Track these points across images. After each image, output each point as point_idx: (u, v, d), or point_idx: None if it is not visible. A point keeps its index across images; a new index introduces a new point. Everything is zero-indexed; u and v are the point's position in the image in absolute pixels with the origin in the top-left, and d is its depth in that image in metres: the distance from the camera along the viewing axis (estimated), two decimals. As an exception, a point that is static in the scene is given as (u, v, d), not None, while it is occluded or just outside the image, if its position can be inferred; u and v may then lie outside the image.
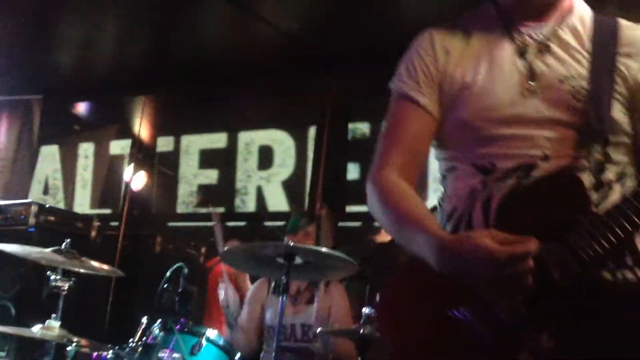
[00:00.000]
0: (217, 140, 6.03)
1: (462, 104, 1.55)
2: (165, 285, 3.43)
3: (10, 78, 6.21)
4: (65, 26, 5.45)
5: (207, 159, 6.02)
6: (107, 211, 6.23)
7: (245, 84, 5.89)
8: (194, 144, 6.11)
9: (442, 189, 1.64)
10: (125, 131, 6.37)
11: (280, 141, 5.79)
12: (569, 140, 1.47)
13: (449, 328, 1.40)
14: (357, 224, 5.18)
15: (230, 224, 5.72)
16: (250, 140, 5.91)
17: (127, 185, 5.84)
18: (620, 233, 1.32)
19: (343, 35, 5.21)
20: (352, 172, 5.43)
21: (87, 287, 4.09)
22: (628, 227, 1.32)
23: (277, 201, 5.65)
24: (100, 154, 6.45)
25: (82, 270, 3.58)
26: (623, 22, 1.59)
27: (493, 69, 1.55)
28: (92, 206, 6.35)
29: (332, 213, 4.51)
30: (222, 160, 5.95)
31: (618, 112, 1.49)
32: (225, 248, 3.40)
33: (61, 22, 5.42)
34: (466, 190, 1.53)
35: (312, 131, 5.67)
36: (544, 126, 1.48)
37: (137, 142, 6.21)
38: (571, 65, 1.52)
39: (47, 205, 5.07)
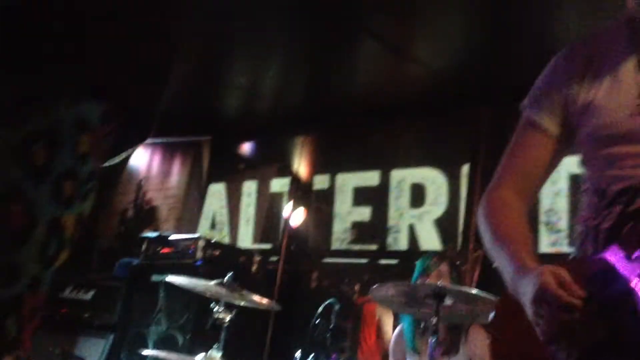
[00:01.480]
0: (370, 178, 6.16)
1: (584, 123, 1.55)
2: (317, 321, 3.56)
3: (183, 120, 6.74)
4: (232, 72, 5.86)
5: (361, 196, 6.16)
6: (268, 246, 6.53)
7: (397, 122, 5.99)
8: (348, 181, 6.28)
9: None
10: (285, 170, 6.68)
11: (433, 179, 5.81)
12: None
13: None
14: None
15: (383, 261, 5.81)
16: (402, 178, 5.98)
17: (286, 221, 6.10)
18: None
19: (493, 70, 5.17)
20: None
21: (247, 319, 4.33)
22: None
23: (430, 240, 5.65)
24: (262, 191, 6.80)
25: (242, 303, 3.80)
26: None
27: (614, 86, 1.52)
28: (254, 241, 6.69)
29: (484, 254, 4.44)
30: (374, 198, 6.06)
31: None
32: (375, 286, 3.47)
33: (228, 69, 5.84)
34: (585, 219, 1.53)
35: (465, 169, 5.63)
36: None
37: (295, 180, 6.50)
38: None
39: (213, 240, 5.41)
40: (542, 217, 5.01)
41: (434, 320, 3.09)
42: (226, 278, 3.68)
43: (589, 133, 1.54)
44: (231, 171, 7.06)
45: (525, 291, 1.36)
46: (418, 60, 5.13)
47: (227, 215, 6.93)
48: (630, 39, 1.56)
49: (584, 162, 1.60)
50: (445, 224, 5.61)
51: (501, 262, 1.50)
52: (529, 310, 1.35)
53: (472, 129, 5.45)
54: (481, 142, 5.24)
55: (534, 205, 4.49)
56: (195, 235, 5.35)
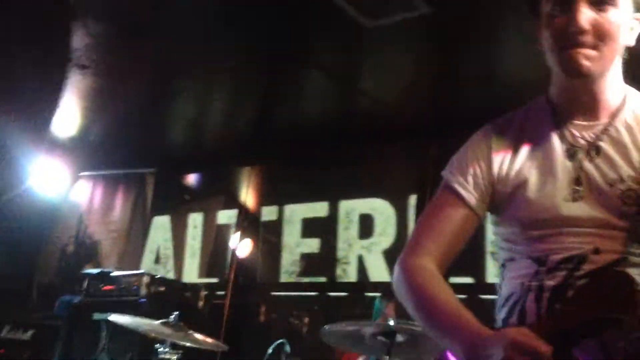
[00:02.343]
0: (319, 209, 6.12)
1: (516, 205, 1.56)
2: (267, 362, 3.48)
3: (126, 153, 6.60)
4: (178, 104, 5.78)
5: (309, 227, 6.11)
6: (214, 280, 6.41)
7: (346, 154, 5.99)
8: (297, 212, 6.23)
9: (501, 275, 1.63)
10: (232, 201, 6.59)
11: (381, 210, 5.81)
12: (621, 239, 1.45)
13: None
14: (462, 296, 5.06)
15: (332, 294, 5.76)
16: (351, 208, 5.96)
17: (233, 254, 6.01)
18: None
19: (442, 103, 5.24)
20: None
21: (194, 359, 4.20)
22: None
23: (379, 271, 5.63)
24: (209, 223, 6.69)
25: (189, 344, 3.68)
26: None
27: (545, 171, 1.55)
28: (200, 275, 6.55)
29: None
30: (323, 229, 6.02)
31: None
32: (327, 327, 3.40)
33: (174, 101, 5.76)
34: (522, 279, 1.53)
35: (412, 199, 5.66)
36: (595, 226, 1.47)
37: (242, 212, 6.42)
38: (622, 167, 1.49)
39: (157, 276, 5.26)
40: (488, 247, 5.05)
41: (386, 358, 3.05)
42: (172, 317, 3.57)
43: (521, 216, 1.55)
44: (176, 203, 6.93)
45: (492, 354, 1.33)
46: (367, 93, 5.15)
47: (172, 249, 6.78)
48: (555, 123, 1.60)
49: (507, 238, 1.61)
50: (394, 255, 5.54)
51: (447, 334, 1.47)
52: None
53: (419, 160, 5.48)
54: (429, 173, 5.27)
55: (480, 235, 4.54)
56: (139, 272, 5.21)
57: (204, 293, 5.42)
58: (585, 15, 1.47)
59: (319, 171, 6.13)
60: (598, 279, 1.42)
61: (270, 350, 3.44)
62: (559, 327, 1.36)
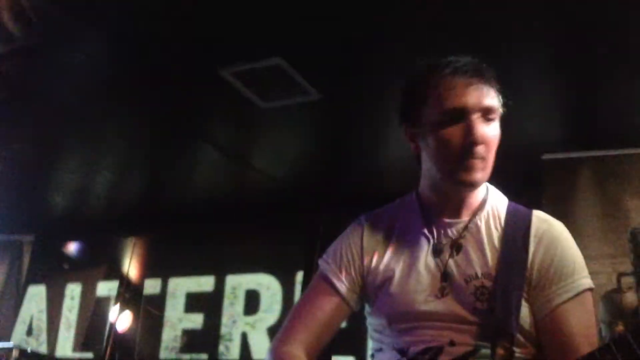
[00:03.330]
0: (204, 283, 6.04)
1: (383, 298, 1.62)
2: None
3: (3, 218, 6.29)
4: (61, 171, 5.60)
5: (194, 302, 6.00)
6: (89, 355, 6.11)
7: (234, 228, 5.99)
8: (181, 286, 6.11)
9: None
10: (114, 272, 6.38)
11: (267, 285, 5.81)
12: (475, 334, 1.51)
13: None
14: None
15: (214, 372, 5.64)
16: (237, 284, 5.92)
17: (112, 327, 5.78)
18: None
19: (330, 180, 5.40)
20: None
21: None
22: None
23: (262, 348, 5.57)
24: (87, 294, 6.42)
25: None
26: (536, 215, 1.62)
27: (411, 267, 1.62)
28: (75, 349, 6.23)
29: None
30: (208, 304, 5.93)
31: (525, 309, 1.52)
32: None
33: (57, 168, 5.58)
34: None
35: (299, 276, 5.70)
36: (451, 320, 1.53)
37: (124, 283, 6.21)
38: (477, 264, 1.56)
39: (28, 350, 5.01)
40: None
41: None
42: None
43: (386, 309, 1.62)
44: (54, 272, 6.63)
45: None
46: (257, 169, 5.23)
47: (46, 321, 6.43)
48: (423, 220, 1.67)
49: (377, 329, 1.67)
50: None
51: None
52: None
53: (306, 236, 5.57)
54: (316, 250, 5.36)
55: (362, 315, 4.62)
56: (9, 345, 4.93)
57: (77, 370, 5.16)
58: (479, 128, 1.51)
59: (206, 245, 6.07)
60: None
61: None
62: None
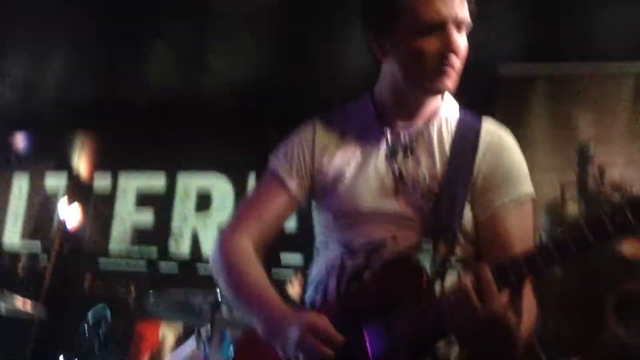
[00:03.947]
0: (156, 180, 6.01)
1: (332, 195, 1.67)
2: (85, 326, 3.38)
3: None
4: (9, 63, 5.41)
5: (144, 198, 5.98)
6: (37, 245, 6.09)
7: (187, 127, 5.91)
8: (132, 183, 6.07)
9: (314, 259, 1.76)
10: (63, 165, 6.29)
11: (219, 186, 5.82)
12: (417, 230, 1.58)
13: None
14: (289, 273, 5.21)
15: (163, 266, 5.70)
16: (189, 182, 5.92)
17: (60, 218, 5.75)
18: (435, 328, 1.42)
19: (286, 87, 5.34)
20: (289, 220, 5.46)
21: (10, 326, 4.00)
22: (440, 326, 1.42)
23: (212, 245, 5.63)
24: (35, 186, 6.34)
25: (3, 307, 3.51)
26: (485, 124, 1.68)
27: (363, 167, 1.66)
28: (23, 238, 6.20)
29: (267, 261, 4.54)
30: (158, 201, 5.92)
31: (468, 211, 1.60)
32: (153, 294, 3.39)
33: (7, 55, 5.38)
34: (328, 262, 1.66)
35: (251, 178, 5.72)
36: (396, 217, 1.60)
37: (73, 177, 6.15)
38: (426, 167, 1.62)
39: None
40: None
41: (209, 328, 3.10)
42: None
43: (335, 206, 1.67)
44: (1, 163, 6.48)
45: (285, 340, 1.46)
46: (213, 70, 5.12)
47: (-7, 210, 6.34)
48: (378, 123, 1.71)
49: (324, 225, 1.72)
50: (229, 231, 5.61)
51: (252, 309, 1.58)
52: (291, 357, 1.47)
53: (260, 142, 5.53)
54: (268, 153, 5.34)
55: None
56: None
57: (24, 258, 5.16)
58: (455, 38, 1.56)
59: (159, 143, 5.99)
60: (392, 262, 1.56)
61: (90, 315, 3.35)
62: (354, 307, 1.50)
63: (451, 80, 1.60)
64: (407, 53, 1.59)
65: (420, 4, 1.55)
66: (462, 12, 1.57)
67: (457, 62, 1.58)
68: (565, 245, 1.32)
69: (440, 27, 1.55)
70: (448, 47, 1.55)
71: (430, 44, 1.56)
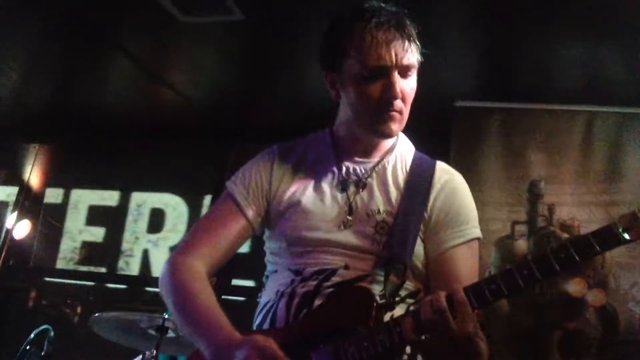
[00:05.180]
0: (109, 197, 5.92)
1: (286, 223, 1.69)
2: (27, 347, 3.30)
3: None
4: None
5: (96, 215, 5.88)
6: (-19, 258, 5.92)
7: (144, 145, 5.86)
8: (84, 198, 5.97)
9: (264, 286, 1.75)
10: (14, 177, 6.16)
11: (174, 206, 5.76)
12: (370, 262, 1.61)
13: None
14: (242, 298, 5.16)
15: (111, 285, 5.59)
16: (143, 201, 5.84)
17: (7, 232, 5.63)
18: (381, 350, 1.43)
19: (245, 109, 5.34)
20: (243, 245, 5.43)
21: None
22: (389, 346, 1.43)
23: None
24: (-16, 198, 6.18)
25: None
26: (439, 165, 1.75)
27: (317, 197, 1.70)
28: (-33, 251, 6.02)
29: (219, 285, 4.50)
30: (110, 219, 5.83)
31: (419, 247, 1.64)
32: (97, 315, 3.32)
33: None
34: (279, 288, 1.66)
35: (207, 200, 5.68)
36: (350, 248, 1.63)
37: (24, 190, 6.03)
38: (381, 201, 1.67)
39: None
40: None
41: (154, 352, 3.05)
42: None
43: (288, 233, 1.68)
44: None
45: (235, 358, 1.42)
46: (172, 86, 5.09)
47: (-63, 221, 6.15)
48: (335, 156, 1.75)
49: (274, 251, 1.73)
50: (180, 252, 5.55)
51: (199, 331, 1.55)
52: None
53: (218, 162, 5.51)
54: (225, 177, 5.31)
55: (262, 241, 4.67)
56: None
57: (-34, 271, 5.01)
58: (399, 84, 1.60)
59: (114, 159, 5.92)
60: (343, 289, 1.58)
61: (32, 335, 3.27)
62: (302, 332, 1.50)
63: (397, 124, 1.65)
64: (354, 95, 1.64)
65: (365, 45, 1.59)
66: (406, 57, 1.61)
67: (400, 106, 1.63)
68: (512, 280, 1.36)
69: (383, 73, 1.60)
70: (391, 93, 1.60)
71: (375, 89, 1.61)
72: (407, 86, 1.64)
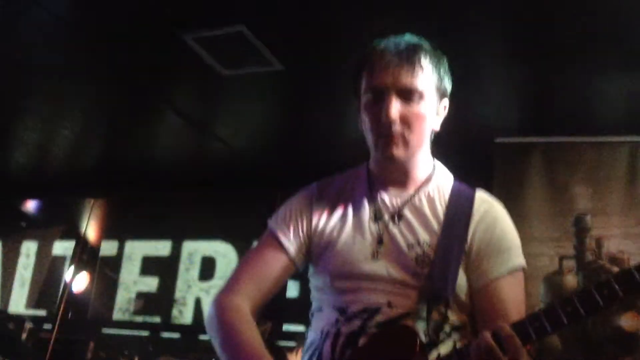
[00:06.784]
0: (161, 247, 6.06)
1: (327, 258, 1.70)
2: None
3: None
4: (23, 127, 5.55)
5: (149, 266, 6.03)
6: (42, 313, 6.12)
7: (193, 195, 6.01)
8: (138, 249, 6.13)
9: (310, 324, 1.75)
10: (71, 232, 6.37)
11: (224, 253, 5.86)
12: (413, 297, 1.60)
13: None
14: (293, 343, 5.19)
15: (165, 335, 5.69)
16: (194, 250, 5.96)
17: (66, 286, 5.79)
18: None
19: (289, 153, 5.44)
20: (292, 289, 5.49)
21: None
22: None
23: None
24: (43, 253, 6.41)
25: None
26: (479, 195, 1.72)
27: (354, 230, 1.70)
28: (28, 306, 6.23)
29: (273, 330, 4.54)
30: (164, 269, 5.96)
31: (462, 279, 1.62)
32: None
33: (19, 123, 5.53)
34: (324, 328, 1.65)
35: (255, 244, 5.75)
36: (391, 283, 1.61)
37: (81, 244, 6.22)
38: (420, 232, 1.65)
39: (-21, 305, 4.98)
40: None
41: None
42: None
43: (330, 268, 1.69)
44: (10, 229, 6.58)
45: None
46: (219, 138, 5.24)
47: (0, 277, 6.40)
48: (369, 189, 1.76)
49: (320, 289, 1.74)
50: (232, 299, 5.62)
51: None
52: None
53: (264, 207, 5.60)
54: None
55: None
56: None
57: (29, 325, 5.17)
58: (395, 108, 1.60)
59: (164, 210, 6.09)
60: (387, 328, 1.57)
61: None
62: None
63: (399, 148, 1.64)
64: (363, 118, 1.68)
65: (370, 69, 1.63)
66: (408, 81, 1.61)
67: (400, 130, 1.62)
68: (556, 318, 1.35)
69: (383, 95, 1.61)
70: (384, 115, 1.60)
71: (376, 112, 1.63)
72: (409, 111, 1.63)
